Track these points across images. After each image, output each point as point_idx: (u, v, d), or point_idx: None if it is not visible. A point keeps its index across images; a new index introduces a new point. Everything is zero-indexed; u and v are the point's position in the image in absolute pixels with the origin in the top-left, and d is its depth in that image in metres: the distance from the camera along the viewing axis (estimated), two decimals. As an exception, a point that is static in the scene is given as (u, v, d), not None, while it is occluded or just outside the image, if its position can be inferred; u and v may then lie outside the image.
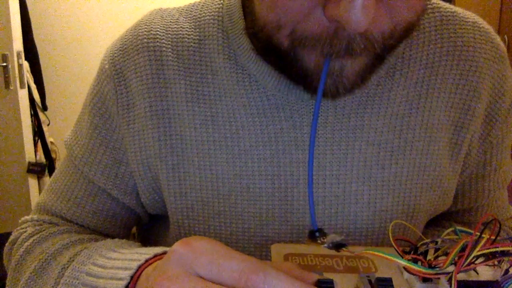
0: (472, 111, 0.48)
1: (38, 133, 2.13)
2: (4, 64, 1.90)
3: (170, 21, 0.49)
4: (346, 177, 0.46)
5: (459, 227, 0.34)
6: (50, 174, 2.15)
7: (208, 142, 0.46)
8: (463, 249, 0.28)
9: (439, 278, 0.30)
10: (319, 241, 0.32)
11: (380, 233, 0.47)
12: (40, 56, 2.28)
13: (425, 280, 0.30)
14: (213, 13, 0.49)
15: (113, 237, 0.52)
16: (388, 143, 0.46)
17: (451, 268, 0.28)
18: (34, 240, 0.48)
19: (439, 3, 0.50)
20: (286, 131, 0.46)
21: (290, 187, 0.46)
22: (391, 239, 0.33)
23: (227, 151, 0.46)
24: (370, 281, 0.30)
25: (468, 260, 0.28)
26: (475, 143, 0.50)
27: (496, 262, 0.31)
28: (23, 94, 1.98)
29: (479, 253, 0.28)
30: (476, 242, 0.28)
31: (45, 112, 2.22)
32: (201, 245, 0.28)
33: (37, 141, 2.13)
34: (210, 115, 0.46)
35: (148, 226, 0.59)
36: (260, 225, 0.47)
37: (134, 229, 0.61)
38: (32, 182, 2.06)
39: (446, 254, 0.31)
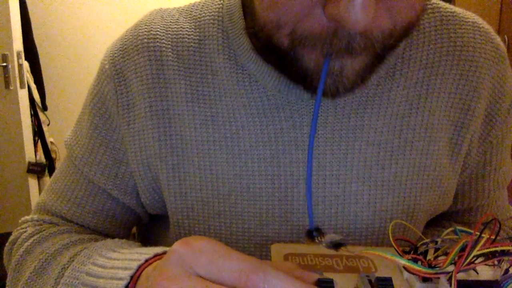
0: (472, 111, 0.48)
1: (38, 133, 2.13)
2: (4, 64, 1.91)
3: (170, 21, 0.49)
4: (346, 177, 0.46)
5: (459, 227, 0.34)
6: (50, 174, 2.15)
7: (208, 142, 0.46)
8: (463, 249, 0.28)
9: (438, 278, 0.30)
10: (316, 240, 0.32)
11: (380, 233, 0.47)
12: (40, 56, 2.28)
13: (425, 279, 0.30)
14: (213, 13, 0.49)
15: (113, 237, 0.52)
16: (388, 143, 0.46)
17: (451, 268, 0.28)
18: (34, 240, 0.48)
19: (439, 3, 0.50)
20: (286, 131, 0.46)
21: (290, 187, 0.46)
22: (391, 239, 0.33)
23: (227, 151, 0.46)
24: (370, 281, 0.30)
25: (468, 260, 0.28)
26: (475, 143, 0.50)
27: (496, 262, 0.31)
28: (23, 94, 1.98)
29: (479, 252, 0.28)
30: (476, 241, 0.28)
31: (45, 112, 2.22)
32: (201, 245, 0.28)
33: (37, 141, 2.13)
34: (210, 115, 0.47)
35: (148, 226, 0.59)
36: (260, 225, 0.47)
37: (134, 229, 0.61)
38: (32, 182, 2.06)
39: (446, 254, 0.31)
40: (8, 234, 0.54)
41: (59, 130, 2.42)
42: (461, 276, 0.30)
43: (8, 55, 1.90)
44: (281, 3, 0.34)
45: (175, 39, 0.48)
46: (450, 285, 0.27)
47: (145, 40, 0.48)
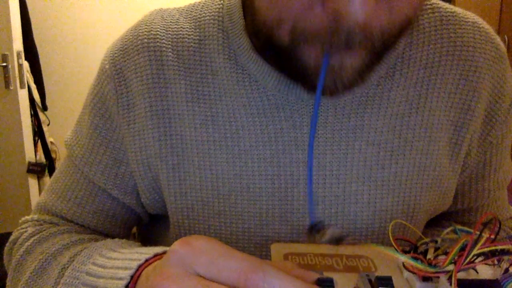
0: (472, 111, 0.48)
1: (38, 133, 2.13)
2: (4, 64, 1.91)
3: (171, 21, 0.49)
4: (346, 177, 0.46)
5: (458, 226, 0.34)
6: (50, 174, 2.15)
7: (208, 142, 0.47)
8: (463, 248, 0.28)
9: (438, 277, 0.30)
10: (318, 235, 0.32)
11: (380, 233, 0.47)
12: (40, 56, 2.28)
13: (425, 279, 0.30)
14: (213, 13, 0.49)
15: (113, 237, 0.52)
16: (388, 143, 0.46)
17: (451, 267, 0.28)
18: (34, 240, 0.48)
19: (439, 3, 0.50)
20: (286, 131, 0.46)
21: (290, 187, 0.46)
22: (391, 238, 0.33)
23: (227, 151, 0.46)
24: (370, 280, 0.30)
25: (468, 259, 0.28)
26: (475, 143, 0.50)
27: (495, 261, 0.31)
28: (23, 94, 1.98)
29: (478, 252, 0.28)
30: (476, 241, 0.28)
31: (45, 112, 2.22)
32: (201, 244, 0.28)
33: (37, 141, 2.13)
34: (210, 115, 0.47)
35: (148, 226, 0.59)
36: (260, 225, 0.47)
37: (134, 229, 0.61)
38: (32, 182, 2.06)
39: (446, 253, 0.31)
40: (8, 234, 0.54)
41: (59, 130, 2.42)
42: (461, 275, 0.30)
43: (8, 55, 1.91)
44: None
45: (175, 39, 0.48)
46: (450, 284, 0.27)
47: (145, 40, 0.48)
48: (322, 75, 0.35)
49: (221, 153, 0.46)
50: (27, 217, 0.53)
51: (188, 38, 0.48)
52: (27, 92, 2.03)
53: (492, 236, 0.28)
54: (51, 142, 2.23)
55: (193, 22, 0.49)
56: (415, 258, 0.30)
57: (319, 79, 0.35)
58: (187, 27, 0.49)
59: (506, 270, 0.31)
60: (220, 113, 0.46)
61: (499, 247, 0.28)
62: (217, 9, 0.49)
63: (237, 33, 0.46)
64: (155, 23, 0.49)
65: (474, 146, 0.50)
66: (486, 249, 0.28)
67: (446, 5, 0.50)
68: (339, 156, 0.46)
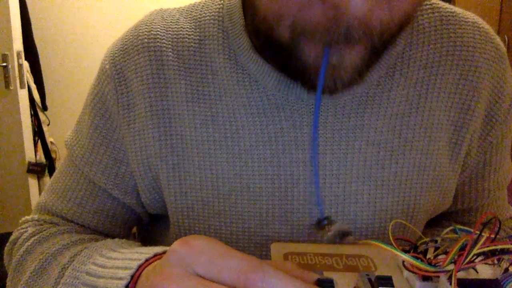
0: (472, 111, 0.48)
1: (38, 133, 2.13)
2: (4, 64, 1.91)
3: (171, 22, 0.49)
4: (346, 177, 0.46)
5: (458, 226, 0.34)
6: (50, 174, 2.15)
7: (208, 141, 0.47)
8: (462, 248, 0.28)
9: (438, 277, 0.30)
10: (325, 229, 0.32)
11: (380, 232, 0.47)
12: (40, 56, 2.28)
13: (425, 278, 0.30)
14: (213, 13, 0.49)
15: (113, 237, 0.52)
16: (388, 143, 0.46)
17: (451, 267, 0.28)
18: (34, 240, 0.48)
19: (439, 3, 0.50)
20: (286, 131, 0.46)
21: (290, 186, 0.46)
22: (391, 238, 0.33)
23: (227, 151, 0.46)
24: (370, 280, 0.30)
25: (468, 259, 0.28)
26: (475, 143, 0.50)
27: (495, 261, 0.31)
28: (23, 94, 1.98)
29: (478, 251, 0.28)
30: (476, 240, 0.28)
31: (45, 112, 2.22)
32: (200, 244, 0.28)
33: (37, 141, 2.13)
34: (210, 115, 0.47)
35: (148, 226, 0.59)
36: (260, 224, 0.47)
37: (134, 229, 0.61)
38: (32, 182, 2.06)
39: (446, 253, 0.31)
40: (8, 234, 0.54)
41: (59, 130, 2.42)
42: (461, 274, 0.30)
43: (8, 55, 1.91)
44: None
45: (176, 39, 0.48)
46: (450, 284, 0.27)
47: (146, 40, 0.48)
48: (323, 70, 0.35)
49: (221, 153, 0.46)
50: (27, 217, 0.53)
51: (188, 38, 0.48)
52: (27, 92, 2.03)
53: (492, 236, 0.28)
54: (51, 142, 2.24)
55: (193, 22, 0.49)
56: (415, 258, 0.30)
57: (320, 75, 0.35)
58: (187, 27, 0.49)
59: (506, 269, 0.31)
60: (220, 113, 0.46)
61: (499, 247, 0.29)
62: (217, 9, 0.49)
63: (237, 33, 0.46)
64: (155, 23, 0.49)
65: (474, 146, 0.50)
66: (486, 249, 0.28)
67: (446, 5, 0.50)
68: (339, 156, 0.46)
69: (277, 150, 0.46)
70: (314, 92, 0.39)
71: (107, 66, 0.49)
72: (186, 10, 0.51)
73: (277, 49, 0.39)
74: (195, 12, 0.50)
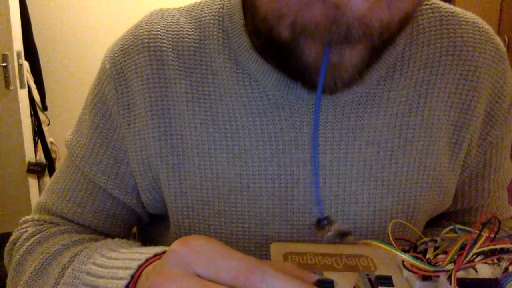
0: (472, 111, 0.48)
1: (38, 133, 2.13)
2: (4, 64, 1.91)
3: (171, 21, 0.50)
4: (346, 177, 0.46)
5: (458, 226, 0.34)
6: (50, 174, 2.15)
7: (208, 141, 0.47)
8: (462, 247, 0.28)
9: (438, 276, 0.30)
10: (326, 229, 0.32)
11: (380, 232, 0.47)
12: (40, 56, 2.28)
13: (424, 278, 0.30)
14: (213, 13, 0.49)
15: (113, 236, 0.52)
16: (388, 143, 0.46)
17: (450, 266, 0.29)
18: (35, 240, 0.48)
19: (439, 3, 0.50)
20: (286, 131, 0.46)
21: (290, 186, 0.46)
22: (390, 238, 0.33)
23: (227, 151, 0.46)
24: (370, 280, 0.30)
25: (468, 258, 0.28)
26: (475, 143, 0.50)
27: (495, 260, 0.31)
28: (23, 94, 1.98)
29: (478, 250, 0.28)
30: (476, 240, 0.28)
31: (45, 112, 2.22)
32: (200, 244, 0.29)
33: (37, 141, 2.13)
34: (210, 114, 0.47)
35: (148, 226, 0.59)
36: (260, 224, 0.47)
37: (134, 229, 0.61)
38: (32, 182, 2.06)
39: (446, 252, 0.31)
40: (8, 234, 0.54)
41: (59, 130, 2.42)
42: (460, 274, 0.30)
43: (8, 55, 1.91)
44: None
45: (176, 39, 0.48)
46: (450, 284, 0.28)
47: (146, 40, 0.48)
48: (323, 69, 0.35)
49: (221, 153, 0.46)
50: (27, 217, 0.53)
51: (189, 38, 0.48)
52: (27, 92, 2.03)
53: (492, 235, 0.28)
54: (51, 142, 2.24)
55: (194, 22, 0.49)
56: (415, 257, 0.30)
57: (320, 74, 0.35)
58: (187, 27, 0.49)
59: (506, 269, 0.31)
60: (220, 113, 0.46)
61: (499, 246, 0.29)
62: (217, 9, 0.49)
63: (237, 33, 0.46)
64: (155, 23, 0.49)
65: (474, 146, 0.50)
66: (485, 248, 0.28)
67: (446, 5, 0.50)
68: (339, 156, 0.46)
69: (277, 150, 0.46)
70: (314, 92, 0.39)
71: (107, 66, 0.49)
72: (186, 10, 0.51)
73: (277, 49, 0.39)
74: (195, 12, 0.50)
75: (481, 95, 0.48)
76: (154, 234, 0.58)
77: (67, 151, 0.53)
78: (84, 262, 0.41)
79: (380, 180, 0.46)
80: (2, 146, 2.00)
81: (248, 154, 0.46)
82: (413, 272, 0.31)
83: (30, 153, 2.03)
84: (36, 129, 2.12)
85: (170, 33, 0.48)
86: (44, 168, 2.07)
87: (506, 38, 2.03)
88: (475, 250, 0.28)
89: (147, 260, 0.36)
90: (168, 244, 0.31)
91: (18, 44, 1.95)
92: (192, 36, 0.48)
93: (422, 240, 0.32)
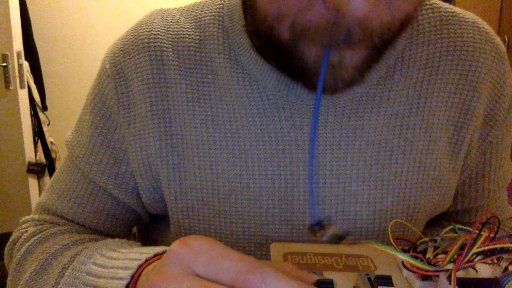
0: (472, 111, 0.48)
1: (38, 133, 2.13)
2: (4, 64, 1.90)
3: (171, 21, 0.50)
4: (346, 177, 0.46)
5: (458, 226, 0.34)
6: (50, 174, 2.15)
7: (208, 141, 0.47)
8: (462, 247, 0.28)
9: (438, 276, 0.30)
10: (319, 234, 0.32)
11: (380, 232, 0.47)
12: (40, 56, 2.28)
13: (424, 278, 0.30)
14: (213, 13, 0.49)
15: (113, 236, 0.52)
16: (388, 143, 0.46)
17: (450, 266, 0.29)
18: (35, 240, 0.48)
19: (439, 3, 0.50)
20: (286, 131, 0.46)
21: (290, 186, 0.46)
22: (390, 238, 0.33)
23: (227, 151, 0.46)
24: (369, 279, 0.30)
25: (467, 258, 0.28)
26: (475, 143, 0.50)
27: (495, 260, 0.31)
28: (23, 94, 1.98)
29: (478, 250, 0.28)
30: (475, 239, 0.28)
31: (45, 112, 2.22)
32: (199, 244, 0.29)
33: (37, 141, 2.13)
34: (210, 114, 0.47)
35: (148, 226, 0.59)
36: (261, 224, 0.47)
37: (134, 229, 0.61)
38: (32, 182, 2.06)
39: (445, 252, 0.31)
40: (8, 234, 0.54)
41: (59, 130, 2.42)
42: (460, 274, 0.31)
43: (8, 55, 1.90)
44: None
45: (176, 39, 0.48)
46: (450, 283, 0.28)
47: (146, 40, 0.48)
48: (323, 70, 0.35)
49: (222, 153, 0.46)
50: (27, 217, 0.53)
51: (189, 38, 0.48)
52: (27, 92, 2.03)
53: (492, 235, 0.28)
54: (51, 142, 2.23)
55: (194, 22, 0.49)
56: (415, 257, 0.30)
57: (320, 75, 0.35)
58: (187, 27, 0.49)
59: (506, 268, 0.31)
60: (220, 113, 0.46)
61: (498, 246, 0.29)
62: (218, 9, 0.49)
63: (238, 33, 0.46)
64: (155, 23, 0.49)
65: (474, 146, 0.50)
66: (485, 248, 0.28)
67: (446, 5, 0.50)
68: (339, 156, 0.46)
69: (277, 150, 0.46)
70: (315, 92, 0.39)
71: (108, 66, 0.49)
72: (187, 10, 0.51)
73: (277, 49, 0.39)
74: (196, 12, 0.50)
75: (481, 95, 0.48)
76: (154, 234, 0.58)
77: (67, 151, 0.53)
78: (84, 262, 0.41)
79: (380, 180, 0.46)
80: (2, 146, 2.00)
81: (248, 154, 0.46)
82: (413, 271, 0.31)
83: (30, 153, 2.03)
84: (36, 129, 2.12)
85: (170, 33, 0.48)
86: (44, 168, 2.07)
87: (506, 38, 2.03)
88: (475, 249, 0.28)
89: (147, 260, 0.36)
90: (168, 244, 0.31)
91: (18, 44, 1.95)
92: (192, 36, 0.48)
93: (422, 240, 0.32)
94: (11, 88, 1.94)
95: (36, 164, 2.03)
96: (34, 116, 2.11)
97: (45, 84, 2.31)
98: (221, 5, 0.49)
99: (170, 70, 0.47)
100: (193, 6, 0.51)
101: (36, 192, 2.08)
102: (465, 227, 0.33)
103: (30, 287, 0.44)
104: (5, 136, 1.99)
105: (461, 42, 0.48)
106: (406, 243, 0.36)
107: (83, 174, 0.51)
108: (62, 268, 0.42)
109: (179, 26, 0.49)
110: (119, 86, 0.48)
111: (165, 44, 0.48)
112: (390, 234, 0.33)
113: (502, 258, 0.31)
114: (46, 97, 2.30)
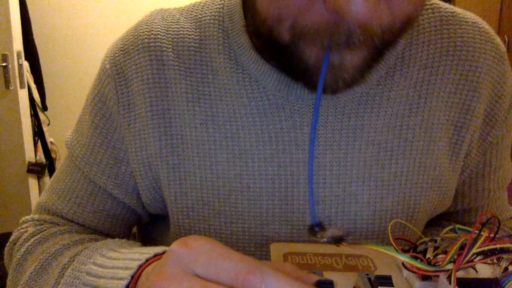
0: (472, 111, 0.48)
1: (38, 133, 2.13)
2: (4, 64, 1.90)
3: (171, 21, 0.50)
4: (346, 177, 0.46)
5: (458, 226, 0.34)
6: (50, 174, 2.15)
7: (208, 142, 0.47)
8: (462, 247, 0.28)
9: (438, 276, 0.30)
10: (318, 236, 0.32)
11: (380, 232, 0.47)
12: (40, 56, 2.28)
13: (424, 278, 0.30)
14: (213, 13, 0.49)
15: (113, 237, 0.52)
16: (388, 143, 0.46)
17: (450, 266, 0.29)
18: (35, 240, 0.48)
19: (439, 3, 0.50)
20: (287, 131, 0.46)
21: (290, 186, 0.46)
22: (390, 238, 0.33)
23: (227, 151, 0.46)
24: (369, 279, 0.30)
25: (467, 258, 0.28)
26: (475, 143, 0.50)
27: (495, 260, 0.31)
28: (23, 94, 1.98)
29: (478, 250, 0.28)
30: (475, 239, 0.28)
31: (45, 112, 2.22)
32: (199, 244, 0.29)
33: (37, 141, 2.13)
34: (210, 115, 0.47)
35: (148, 226, 0.59)
36: (261, 224, 0.47)
37: (134, 229, 0.61)
38: (32, 182, 2.06)
39: (445, 252, 0.31)
40: (8, 234, 0.54)
41: (59, 130, 2.42)
42: (460, 274, 0.31)
43: (8, 55, 1.90)
44: None
45: (176, 39, 0.48)
46: (450, 283, 0.28)
47: (146, 40, 0.48)
48: (323, 71, 0.35)
49: (222, 153, 0.46)
50: (27, 217, 0.53)
51: (189, 38, 0.48)
52: (27, 92, 2.03)
53: (491, 235, 0.28)
54: (51, 142, 2.23)
55: (194, 22, 0.49)
56: (415, 257, 0.30)
57: (320, 76, 0.35)
58: (187, 27, 0.49)
59: (506, 268, 0.31)
60: (220, 113, 0.46)
61: (498, 246, 0.29)
62: (218, 9, 0.49)
63: (238, 33, 0.46)
64: (155, 23, 0.49)
65: (474, 146, 0.50)
66: (485, 248, 0.28)
67: (446, 5, 0.50)
68: (339, 156, 0.46)
69: (277, 150, 0.46)
70: (315, 92, 0.39)
71: (108, 66, 0.49)
72: (187, 10, 0.51)
73: (277, 50, 0.39)
74: (196, 12, 0.50)
75: (481, 95, 0.48)
76: (154, 234, 0.58)
77: (67, 151, 0.53)
78: (84, 262, 0.41)
79: (380, 180, 0.46)
80: (2, 146, 2.00)
81: (248, 155, 0.46)
82: (413, 272, 0.31)
83: (30, 153, 2.03)
84: (36, 129, 2.12)
85: (170, 33, 0.48)
86: (44, 168, 2.07)
87: (506, 38, 2.03)
88: (475, 250, 0.28)
89: (147, 260, 0.36)
90: (168, 244, 0.31)
91: (18, 44, 1.95)
92: (192, 36, 0.48)
93: (422, 240, 0.32)
94: (11, 88, 1.94)
95: (36, 164, 2.03)
96: (34, 116, 2.11)
97: (45, 84, 2.31)
98: (221, 5, 0.49)
99: (170, 70, 0.47)
100: (193, 6, 0.51)
101: (36, 192, 2.08)
102: (465, 227, 0.33)
103: (30, 287, 0.44)
104: (5, 136, 1.99)
105: (461, 42, 0.48)
106: (406, 243, 0.36)
107: (83, 174, 0.51)
108: (62, 268, 0.42)
109: (179, 26, 0.49)
110: (119, 86, 0.48)
111: (165, 44, 0.48)
112: (390, 234, 0.33)
113: (502, 258, 0.31)
114: (46, 97, 2.30)
